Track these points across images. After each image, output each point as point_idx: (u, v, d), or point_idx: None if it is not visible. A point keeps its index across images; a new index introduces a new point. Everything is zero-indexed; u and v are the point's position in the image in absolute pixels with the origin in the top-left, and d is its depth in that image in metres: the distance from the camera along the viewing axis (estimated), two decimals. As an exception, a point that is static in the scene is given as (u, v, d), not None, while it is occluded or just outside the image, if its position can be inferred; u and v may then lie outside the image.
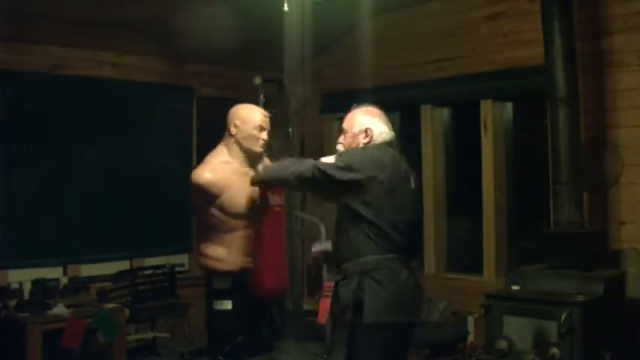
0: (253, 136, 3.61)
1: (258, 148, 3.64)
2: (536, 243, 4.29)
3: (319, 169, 2.88)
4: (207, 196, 3.50)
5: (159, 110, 5.58)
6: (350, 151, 3.02)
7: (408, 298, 2.89)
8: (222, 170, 3.55)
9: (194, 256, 4.83)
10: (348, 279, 2.89)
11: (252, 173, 3.72)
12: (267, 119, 3.68)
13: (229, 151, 3.63)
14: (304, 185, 3.09)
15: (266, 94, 5.19)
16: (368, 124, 3.04)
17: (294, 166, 2.99)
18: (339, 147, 3.11)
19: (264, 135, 3.64)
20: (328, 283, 3.02)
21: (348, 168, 2.85)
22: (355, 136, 3.04)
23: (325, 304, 3.01)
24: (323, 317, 3.03)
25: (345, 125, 3.11)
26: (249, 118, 3.61)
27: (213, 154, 3.65)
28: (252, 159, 3.69)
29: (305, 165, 2.94)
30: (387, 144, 3.04)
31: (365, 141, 3.02)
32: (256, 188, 3.75)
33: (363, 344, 2.86)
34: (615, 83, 4.45)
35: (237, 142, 3.62)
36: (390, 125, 3.10)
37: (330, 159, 2.97)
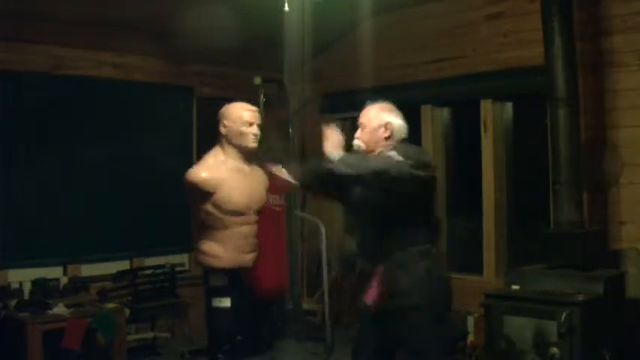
0: (243, 133, 3.63)
1: (250, 143, 3.66)
2: (536, 243, 4.29)
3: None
4: (202, 194, 3.52)
5: (159, 110, 5.58)
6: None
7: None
8: (217, 168, 3.58)
9: (194, 256, 4.81)
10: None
11: (247, 170, 3.73)
12: (255, 113, 3.69)
13: (223, 150, 3.66)
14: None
15: (266, 94, 5.19)
16: (387, 119, 3.15)
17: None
18: (358, 142, 3.16)
19: (254, 129, 3.65)
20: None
21: None
22: (375, 130, 3.13)
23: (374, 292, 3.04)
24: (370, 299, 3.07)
25: (362, 120, 3.17)
26: (236, 115, 3.63)
27: (209, 154, 3.70)
28: (246, 155, 3.71)
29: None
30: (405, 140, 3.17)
31: (386, 135, 3.12)
32: (255, 187, 3.75)
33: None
34: (615, 83, 4.45)
35: (229, 141, 3.64)
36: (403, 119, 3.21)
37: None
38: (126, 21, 4.94)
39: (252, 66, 5.71)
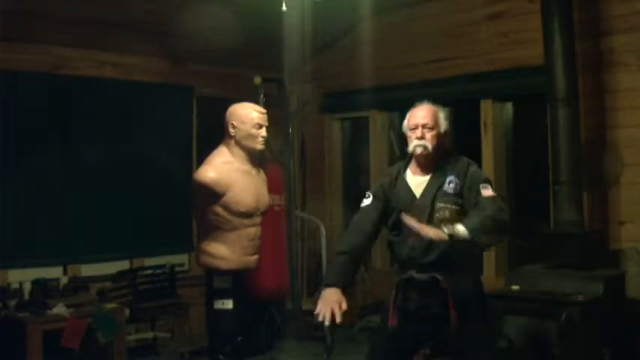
0: (252, 135, 3.61)
1: (258, 145, 3.65)
2: (536, 243, 4.29)
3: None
4: (212, 195, 3.50)
5: (159, 110, 5.57)
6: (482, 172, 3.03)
7: None
8: (225, 169, 3.56)
9: (194, 256, 4.83)
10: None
11: (254, 171, 3.72)
12: (265, 116, 3.68)
13: (230, 151, 3.63)
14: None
15: (266, 94, 5.19)
16: (447, 126, 3.05)
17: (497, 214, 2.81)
18: (426, 143, 2.96)
19: (263, 132, 3.64)
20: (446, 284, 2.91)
21: None
22: (442, 136, 3.01)
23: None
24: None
25: (429, 122, 2.99)
26: (247, 117, 3.61)
27: (215, 154, 3.65)
28: (253, 157, 3.70)
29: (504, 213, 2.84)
30: None
31: (446, 139, 3.03)
32: (261, 189, 3.75)
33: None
34: (615, 83, 4.45)
35: (237, 142, 3.62)
36: None
37: (489, 190, 2.90)
38: (126, 21, 4.93)
39: (252, 66, 5.71)
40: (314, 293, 6.16)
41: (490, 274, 5.13)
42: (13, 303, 4.52)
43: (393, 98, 5.57)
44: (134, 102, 5.42)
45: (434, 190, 2.95)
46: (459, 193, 2.92)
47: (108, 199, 5.21)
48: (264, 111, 3.72)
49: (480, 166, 5.10)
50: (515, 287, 3.97)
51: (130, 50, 5.35)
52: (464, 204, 2.90)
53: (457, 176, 2.94)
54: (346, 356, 4.97)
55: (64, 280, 4.93)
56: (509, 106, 5.33)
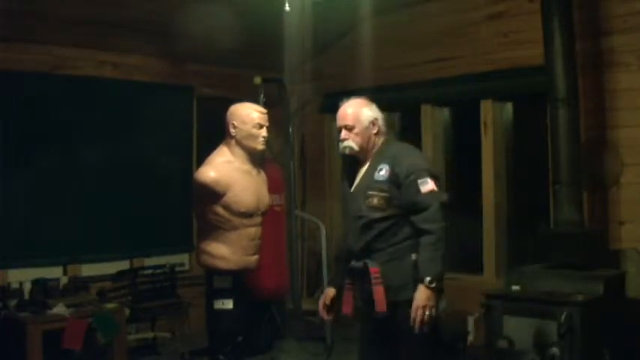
0: (253, 135, 3.61)
1: (259, 145, 3.65)
2: (536, 243, 4.29)
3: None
4: (212, 195, 3.50)
5: (159, 110, 5.57)
6: (423, 164, 3.07)
7: None
8: (225, 169, 3.56)
9: (194, 256, 4.84)
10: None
11: (254, 171, 3.72)
12: (265, 116, 3.68)
13: (231, 150, 3.63)
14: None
15: (266, 94, 5.19)
16: (374, 114, 3.14)
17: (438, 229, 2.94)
18: (350, 143, 3.11)
19: (264, 132, 3.64)
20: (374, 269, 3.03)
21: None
22: (367, 129, 3.11)
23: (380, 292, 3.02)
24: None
25: (349, 122, 3.13)
26: (247, 117, 3.61)
27: (215, 154, 3.65)
28: (253, 157, 3.70)
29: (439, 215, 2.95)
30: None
31: (375, 131, 3.12)
32: (262, 189, 3.76)
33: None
34: (615, 83, 4.45)
35: (238, 142, 3.62)
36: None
37: (429, 184, 2.96)
38: (126, 21, 4.94)
39: (252, 66, 5.71)
40: (314, 293, 6.16)
41: (490, 274, 5.14)
42: (13, 303, 4.52)
43: (393, 98, 5.56)
44: (134, 102, 5.43)
45: (367, 179, 3.09)
46: (392, 180, 3.00)
47: (108, 199, 5.21)
48: (265, 111, 3.72)
49: (479, 166, 5.17)
50: (515, 287, 3.97)
51: (130, 50, 5.35)
52: (403, 193, 2.98)
53: (391, 164, 3.03)
54: (346, 356, 4.97)
55: (64, 280, 4.93)
56: (509, 106, 5.33)
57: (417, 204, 2.95)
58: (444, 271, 2.94)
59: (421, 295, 2.90)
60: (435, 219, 2.93)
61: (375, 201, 3.01)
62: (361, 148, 3.12)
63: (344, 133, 3.14)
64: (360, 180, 3.13)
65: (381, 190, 3.01)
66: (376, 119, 3.13)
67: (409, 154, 3.11)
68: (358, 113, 3.13)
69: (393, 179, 2.99)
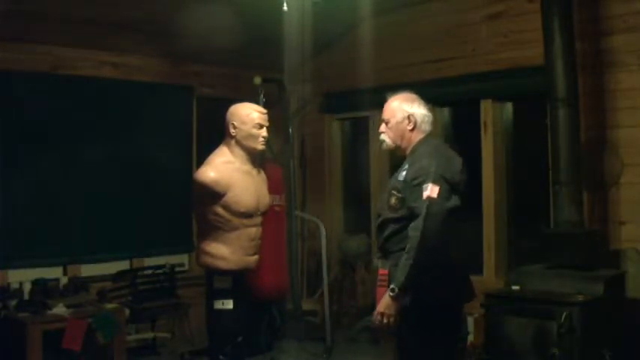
0: (253, 135, 3.61)
1: (259, 146, 3.65)
2: (536, 243, 4.29)
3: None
4: (212, 195, 3.50)
5: (159, 110, 5.57)
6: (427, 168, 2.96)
7: None
8: (225, 169, 3.56)
9: (194, 256, 4.85)
10: None
11: (254, 171, 3.72)
12: (265, 116, 3.68)
13: (231, 151, 3.63)
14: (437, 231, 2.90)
15: (266, 94, 5.19)
16: (410, 110, 3.09)
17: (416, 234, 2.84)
18: (384, 137, 3.11)
19: (264, 132, 3.64)
20: (383, 271, 3.01)
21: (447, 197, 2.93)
22: (399, 123, 3.07)
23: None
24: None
25: (385, 115, 3.11)
26: (247, 117, 3.61)
27: (215, 154, 3.65)
28: (253, 157, 3.70)
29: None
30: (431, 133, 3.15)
31: (410, 127, 3.06)
32: (262, 189, 3.76)
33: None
34: (615, 83, 4.45)
35: (238, 142, 3.62)
36: (427, 107, 3.16)
37: (428, 190, 2.87)
38: (126, 21, 4.94)
39: (252, 66, 5.71)
40: (314, 293, 6.16)
41: (490, 274, 5.14)
42: (13, 303, 4.52)
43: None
44: (134, 102, 5.43)
45: (394, 178, 3.08)
46: (408, 181, 2.96)
47: (108, 199, 5.21)
48: (265, 111, 3.72)
49: (479, 166, 5.17)
50: (515, 287, 3.97)
51: (130, 50, 5.35)
52: (407, 196, 2.93)
53: (411, 164, 3.01)
54: (346, 356, 4.98)
55: (64, 280, 4.93)
56: (509, 106, 5.33)
57: (414, 209, 2.88)
58: (410, 281, 2.81)
59: (382, 301, 2.89)
60: (416, 227, 2.82)
61: (393, 200, 2.98)
62: (395, 143, 3.09)
63: (382, 127, 3.13)
64: (391, 177, 3.12)
65: (398, 191, 2.97)
66: (412, 115, 3.06)
67: (426, 157, 2.99)
68: (395, 108, 3.10)
69: (408, 180, 2.95)
